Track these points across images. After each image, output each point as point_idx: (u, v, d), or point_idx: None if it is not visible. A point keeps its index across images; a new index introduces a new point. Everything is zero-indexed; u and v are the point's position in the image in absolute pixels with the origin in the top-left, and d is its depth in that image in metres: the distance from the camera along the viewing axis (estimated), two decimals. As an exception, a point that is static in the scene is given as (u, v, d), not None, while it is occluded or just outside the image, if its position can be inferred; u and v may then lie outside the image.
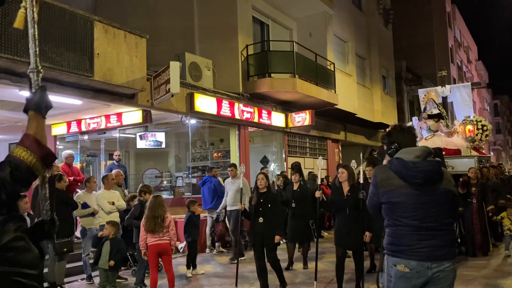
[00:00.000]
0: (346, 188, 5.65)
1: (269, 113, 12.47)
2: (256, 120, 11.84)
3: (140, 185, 7.51)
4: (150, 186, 7.18)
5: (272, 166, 13.37)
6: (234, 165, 8.89)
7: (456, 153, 9.16)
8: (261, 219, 5.82)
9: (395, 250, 2.68)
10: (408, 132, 2.88)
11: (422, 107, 10.88)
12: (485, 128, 10.18)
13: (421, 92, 11.62)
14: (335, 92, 13.85)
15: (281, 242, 6.09)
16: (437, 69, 22.17)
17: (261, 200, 5.88)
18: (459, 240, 7.56)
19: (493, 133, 50.01)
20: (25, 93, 7.68)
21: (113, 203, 7.05)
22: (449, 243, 2.66)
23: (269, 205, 5.83)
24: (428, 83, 22.25)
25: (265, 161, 10.21)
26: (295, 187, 7.60)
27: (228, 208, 8.57)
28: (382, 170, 2.81)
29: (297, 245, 8.18)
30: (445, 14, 32.78)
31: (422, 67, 26.98)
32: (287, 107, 13.22)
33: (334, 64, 14.24)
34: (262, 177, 5.96)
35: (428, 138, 9.94)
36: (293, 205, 7.48)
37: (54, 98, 8.11)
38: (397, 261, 2.66)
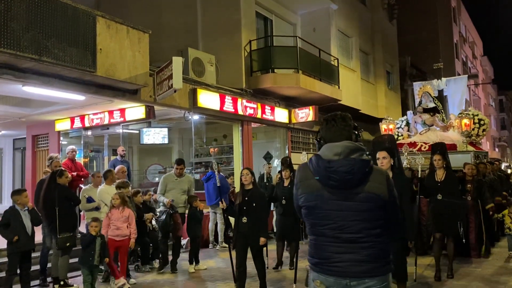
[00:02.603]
0: None
1: (272, 109, 12.44)
2: (259, 116, 11.82)
3: (118, 180, 7.42)
4: (128, 182, 7.57)
5: (276, 162, 13.34)
6: (182, 162, 7.81)
7: (452, 148, 8.84)
8: (244, 219, 5.40)
9: (313, 263, 2.32)
10: (334, 123, 2.37)
11: (417, 100, 10.74)
12: (482, 122, 9.84)
13: (416, 85, 11.48)
14: (339, 87, 13.79)
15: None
16: (442, 64, 22.02)
17: (246, 198, 5.44)
18: (463, 240, 7.15)
19: (499, 129, 49.82)
20: (29, 89, 7.71)
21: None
22: (374, 258, 2.22)
23: (254, 204, 5.39)
24: (432, 79, 22.11)
25: (268, 157, 10.19)
26: (286, 183, 7.15)
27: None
28: (302, 168, 2.39)
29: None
30: (450, 9, 32.55)
31: (426, 63, 26.78)
32: (291, 102, 13.18)
33: (338, 59, 14.18)
34: (247, 172, 5.52)
35: (423, 132, 9.81)
36: (283, 202, 7.03)
37: (56, 93, 8.14)
38: (315, 276, 2.32)
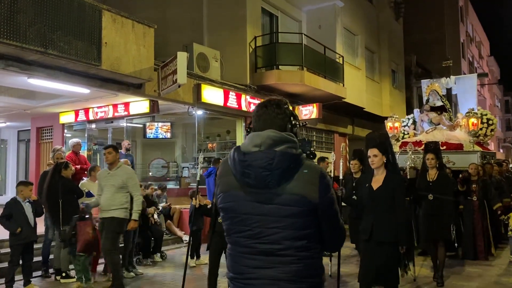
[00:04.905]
0: None
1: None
2: (263, 112, 11.79)
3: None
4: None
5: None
6: (111, 146, 6.03)
7: (458, 148, 8.77)
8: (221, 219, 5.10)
9: (229, 277, 1.92)
10: (265, 110, 1.94)
11: (425, 98, 10.62)
12: (490, 122, 9.72)
13: (424, 83, 11.35)
14: (343, 85, 13.76)
15: None
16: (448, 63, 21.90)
17: None
18: (455, 244, 7.14)
19: (504, 130, 49.56)
20: (34, 81, 7.74)
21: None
22: (297, 277, 1.79)
23: None
24: (438, 78, 22.01)
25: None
26: None
27: (103, 215, 5.76)
28: (223, 162, 1.99)
29: None
30: (457, 8, 32.32)
31: (432, 62, 26.65)
32: (295, 99, 13.16)
33: (343, 57, 14.14)
34: None
35: (429, 131, 9.71)
36: None
37: (61, 86, 8.17)
38: None
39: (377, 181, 4.24)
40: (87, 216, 6.00)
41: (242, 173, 1.82)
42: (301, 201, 1.79)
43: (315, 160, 9.24)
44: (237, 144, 12.01)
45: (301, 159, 1.85)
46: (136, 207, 5.77)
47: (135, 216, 5.77)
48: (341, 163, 6.19)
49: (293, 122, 1.96)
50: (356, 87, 15.41)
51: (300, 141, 1.94)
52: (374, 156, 4.21)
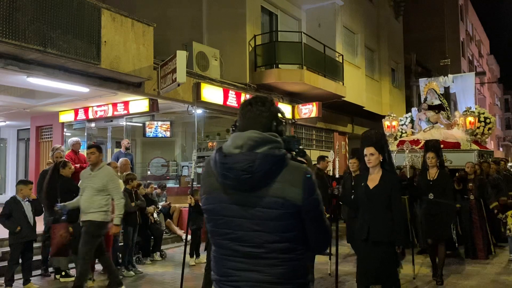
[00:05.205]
0: None
1: (275, 105, 12.40)
2: (262, 111, 11.79)
3: (125, 173, 7.31)
4: (135, 174, 7.38)
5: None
6: (94, 146, 5.65)
7: (456, 146, 8.77)
8: None
9: (214, 279, 1.91)
10: (250, 108, 1.89)
11: (423, 97, 10.63)
12: (488, 120, 9.74)
13: (422, 82, 11.38)
14: (343, 84, 13.76)
15: None
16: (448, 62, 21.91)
17: None
18: (456, 243, 7.13)
19: (503, 128, 49.57)
20: (33, 80, 7.74)
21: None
22: (282, 279, 1.78)
23: None
24: (437, 76, 22.01)
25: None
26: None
27: (83, 218, 5.43)
28: (207, 163, 1.94)
29: None
30: (457, 7, 32.30)
31: (432, 61, 26.67)
32: (294, 98, 13.17)
33: (342, 56, 14.13)
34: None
35: (427, 130, 9.73)
36: None
37: (61, 85, 8.17)
38: None
39: (373, 179, 4.21)
40: (62, 218, 5.79)
41: (223, 175, 1.77)
42: (284, 204, 1.74)
43: (315, 160, 9.23)
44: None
45: (284, 160, 1.79)
46: (117, 211, 5.43)
47: (116, 220, 5.45)
48: (337, 162, 6.18)
49: (279, 120, 1.90)
50: (356, 86, 15.40)
51: (288, 139, 1.90)
52: (371, 155, 4.16)
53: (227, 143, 1.83)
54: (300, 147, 2.02)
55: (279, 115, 1.92)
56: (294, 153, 1.91)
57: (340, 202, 5.51)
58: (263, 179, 1.74)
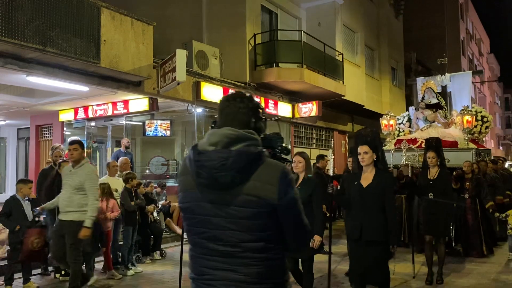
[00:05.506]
0: (299, 180, 4.63)
1: (275, 103, 12.43)
2: (262, 110, 11.80)
3: (125, 172, 7.32)
4: (134, 173, 7.40)
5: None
6: (76, 141, 5.36)
7: (453, 145, 8.76)
8: None
9: (190, 277, 1.88)
10: (228, 104, 1.88)
11: (420, 96, 10.64)
12: (485, 119, 9.76)
13: (419, 81, 11.39)
14: (343, 83, 13.76)
15: None
16: (447, 61, 21.90)
17: None
18: (453, 242, 7.15)
19: (504, 127, 49.57)
20: (33, 78, 7.73)
21: (116, 190, 7.10)
22: (259, 279, 1.74)
23: None
24: (437, 75, 22.01)
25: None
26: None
27: (61, 217, 5.16)
28: (183, 160, 1.90)
29: None
30: (457, 5, 32.28)
31: (432, 59, 26.64)
32: (294, 97, 13.16)
33: (342, 54, 14.13)
34: None
35: (424, 129, 9.74)
36: None
37: (60, 84, 8.16)
38: None
39: (366, 178, 4.18)
40: (37, 220, 5.57)
41: (196, 173, 1.75)
42: (258, 203, 1.70)
43: (314, 158, 9.19)
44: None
45: (260, 158, 1.75)
46: (89, 212, 5.03)
47: (87, 222, 4.99)
48: (331, 161, 6.15)
49: (258, 116, 1.85)
50: (356, 85, 15.40)
51: (271, 137, 1.87)
52: (365, 153, 4.14)
53: (203, 140, 1.80)
54: (284, 144, 1.98)
55: (259, 111, 1.87)
56: (277, 150, 1.88)
57: (334, 201, 5.44)
58: (237, 177, 1.70)
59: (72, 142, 5.29)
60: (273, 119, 11.93)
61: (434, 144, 6.35)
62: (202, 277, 1.80)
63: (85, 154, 5.67)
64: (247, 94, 1.90)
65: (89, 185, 5.10)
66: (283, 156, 1.95)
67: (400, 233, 8.25)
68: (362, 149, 4.16)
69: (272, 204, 1.71)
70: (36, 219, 5.77)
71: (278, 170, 1.75)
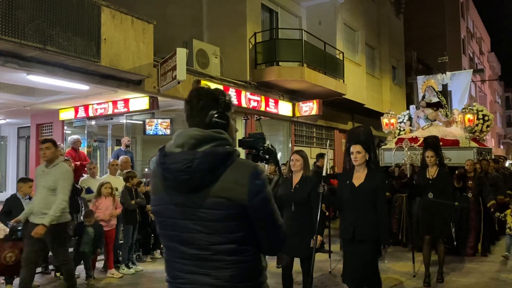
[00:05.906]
0: (296, 179, 4.61)
1: (276, 102, 12.42)
2: (263, 108, 11.81)
3: (125, 171, 7.35)
4: (135, 172, 7.41)
5: (279, 156, 13.36)
6: (49, 140, 5.09)
7: (454, 144, 8.76)
8: None
9: (166, 281, 1.86)
10: (191, 105, 1.78)
11: (421, 95, 10.62)
12: (486, 118, 9.74)
13: (420, 79, 11.37)
14: (343, 81, 13.74)
15: None
16: (448, 60, 21.87)
17: None
18: (454, 241, 7.15)
19: (504, 126, 49.55)
20: (33, 77, 7.73)
21: (116, 189, 7.10)
22: (232, 282, 1.69)
23: None
24: (437, 73, 22.00)
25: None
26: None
27: (38, 221, 4.82)
28: (154, 162, 1.86)
29: None
30: (458, 4, 32.24)
31: (433, 58, 26.61)
32: (295, 96, 13.15)
33: (343, 53, 14.11)
34: None
35: (425, 127, 9.71)
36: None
37: (61, 82, 8.16)
38: None
39: (358, 178, 4.16)
40: (13, 237, 5.29)
41: (163, 176, 1.70)
42: (228, 205, 1.65)
43: (314, 157, 9.14)
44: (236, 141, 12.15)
45: (230, 157, 1.69)
46: (52, 211, 4.71)
47: (45, 220, 4.67)
48: (326, 160, 6.11)
49: (225, 114, 1.78)
50: (357, 83, 15.39)
51: (253, 137, 1.83)
52: (358, 153, 4.10)
53: (170, 142, 1.74)
54: (266, 145, 1.93)
55: (219, 101, 1.77)
56: (260, 151, 1.85)
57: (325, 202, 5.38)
58: (204, 179, 1.65)
59: (45, 141, 5.04)
60: (255, 119, 11.89)
61: (432, 143, 6.27)
62: (176, 280, 1.77)
63: (60, 153, 5.47)
64: (206, 89, 1.83)
65: (61, 184, 4.84)
66: (267, 156, 1.90)
67: (398, 232, 8.23)
68: (355, 148, 4.13)
69: (243, 205, 1.66)
70: (13, 236, 5.39)
71: (248, 170, 1.70)
